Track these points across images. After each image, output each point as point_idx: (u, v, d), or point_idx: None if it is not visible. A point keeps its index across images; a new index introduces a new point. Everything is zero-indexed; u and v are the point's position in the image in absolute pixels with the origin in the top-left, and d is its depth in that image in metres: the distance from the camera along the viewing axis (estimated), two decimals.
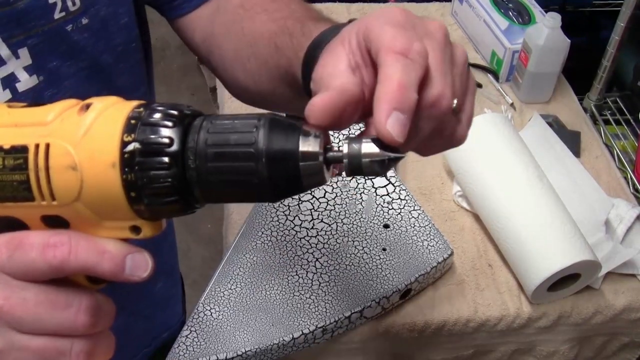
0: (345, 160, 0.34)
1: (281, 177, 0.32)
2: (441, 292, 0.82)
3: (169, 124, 0.32)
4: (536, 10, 1.15)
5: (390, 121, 0.33)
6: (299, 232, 0.80)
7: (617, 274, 0.84)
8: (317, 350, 0.77)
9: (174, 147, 0.32)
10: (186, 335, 0.70)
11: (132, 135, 0.31)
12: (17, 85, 0.48)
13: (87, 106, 0.33)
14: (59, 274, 0.33)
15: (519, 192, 0.82)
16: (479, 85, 1.12)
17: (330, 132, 0.38)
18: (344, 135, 0.86)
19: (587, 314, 0.82)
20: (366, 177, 0.86)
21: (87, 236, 0.33)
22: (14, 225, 0.34)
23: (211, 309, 0.73)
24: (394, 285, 0.75)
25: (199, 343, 0.70)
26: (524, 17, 1.13)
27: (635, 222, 0.88)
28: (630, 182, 1.08)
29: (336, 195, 0.84)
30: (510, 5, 1.14)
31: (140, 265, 0.34)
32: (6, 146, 0.33)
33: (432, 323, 0.79)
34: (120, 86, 0.56)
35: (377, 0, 1.39)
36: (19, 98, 0.48)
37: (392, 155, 0.34)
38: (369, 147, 0.34)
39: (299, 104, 0.47)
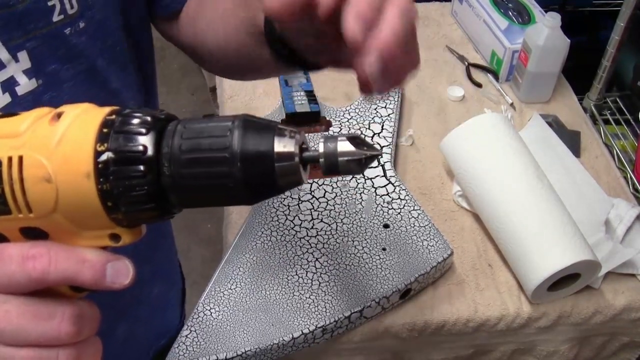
0: (321, 160, 0.34)
1: (257, 179, 0.32)
2: (441, 292, 0.82)
3: (142, 130, 0.32)
4: (536, 10, 1.15)
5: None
6: (299, 232, 0.80)
7: (617, 274, 0.84)
8: (317, 350, 0.77)
9: (148, 155, 0.31)
10: (186, 335, 0.70)
11: (105, 145, 0.31)
12: (17, 88, 0.48)
13: (59, 115, 0.33)
14: (39, 286, 0.33)
15: (519, 192, 0.82)
16: (479, 85, 1.12)
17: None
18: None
19: (587, 314, 0.82)
20: (363, 178, 0.86)
21: (66, 246, 0.33)
22: None
23: (211, 309, 0.73)
24: (394, 285, 0.75)
25: (199, 343, 0.70)
26: (524, 17, 1.13)
27: (635, 222, 0.88)
28: (630, 182, 1.08)
29: (336, 195, 0.84)
30: (510, 5, 1.15)
31: (121, 272, 0.33)
32: None
33: (432, 323, 0.79)
34: (115, 88, 0.56)
35: None
36: (18, 102, 0.48)
37: (369, 153, 0.34)
38: (344, 146, 0.34)
39: (260, 53, 0.53)
